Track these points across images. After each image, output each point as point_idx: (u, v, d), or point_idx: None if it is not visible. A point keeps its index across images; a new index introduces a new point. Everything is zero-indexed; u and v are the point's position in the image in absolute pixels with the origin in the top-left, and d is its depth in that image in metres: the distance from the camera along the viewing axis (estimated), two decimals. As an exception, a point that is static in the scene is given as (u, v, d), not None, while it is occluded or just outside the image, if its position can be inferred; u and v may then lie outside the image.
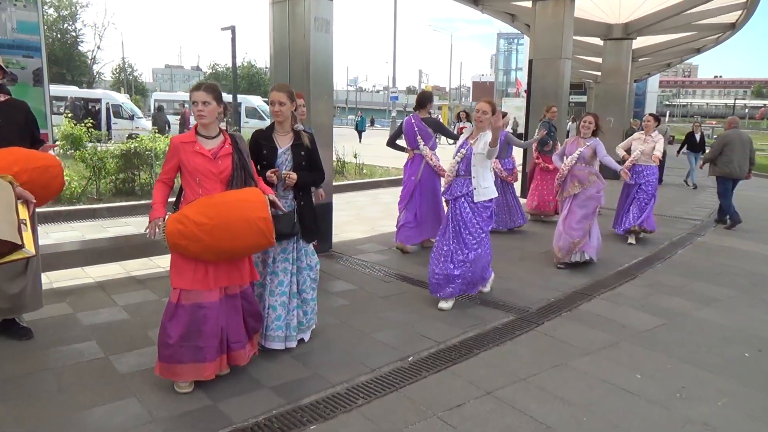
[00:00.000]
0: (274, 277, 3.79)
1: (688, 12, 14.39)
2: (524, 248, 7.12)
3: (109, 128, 21.03)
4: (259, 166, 3.71)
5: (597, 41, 16.68)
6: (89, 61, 58.18)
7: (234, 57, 18.47)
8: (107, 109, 21.78)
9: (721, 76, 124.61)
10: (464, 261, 4.67)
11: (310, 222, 3.87)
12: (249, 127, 21.31)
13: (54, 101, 20.39)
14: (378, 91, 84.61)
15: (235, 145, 3.34)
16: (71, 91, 24.39)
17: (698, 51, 22.39)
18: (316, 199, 4.32)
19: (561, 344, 4.12)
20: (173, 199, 3.41)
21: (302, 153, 3.76)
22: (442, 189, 5.07)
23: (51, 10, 51.29)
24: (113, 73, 68.85)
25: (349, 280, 5.50)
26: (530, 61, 11.07)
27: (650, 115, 7.69)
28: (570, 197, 6.11)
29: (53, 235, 6.89)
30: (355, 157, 14.02)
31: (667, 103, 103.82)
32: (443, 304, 4.73)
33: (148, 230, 3.22)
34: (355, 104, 67.42)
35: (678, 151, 13.08)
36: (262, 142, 3.72)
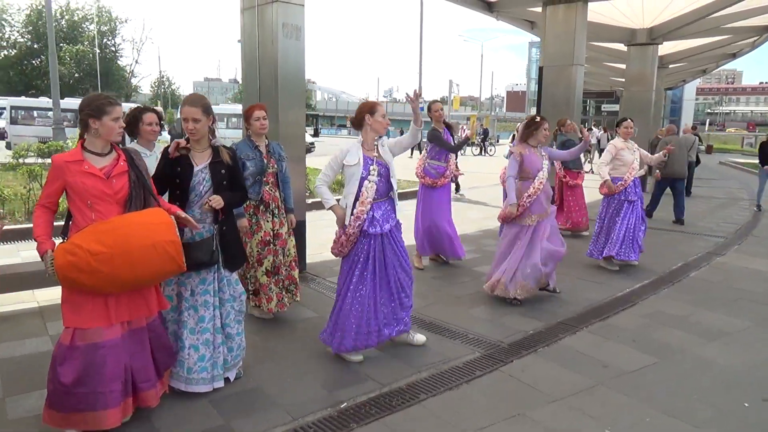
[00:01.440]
0: (193, 312, 3.37)
1: (716, 15, 13.56)
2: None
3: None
4: (171, 187, 3.33)
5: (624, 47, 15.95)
6: (128, 75, 60.00)
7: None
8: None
9: (766, 83, 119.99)
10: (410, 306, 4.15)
11: (234, 248, 3.46)
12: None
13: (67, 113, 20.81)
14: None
15: (130, 162, 2.96)
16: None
17: (734, 56, 21.26)
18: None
19: (525, 389, 3.58)
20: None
21: (222, 171, 3.36)
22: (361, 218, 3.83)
23: (92, 26, 53.15)
24: (152, 87, 70.77)
25: (311, 306, 5.07)
26: (540, 69, 10.48)
27: (630, 120, 6.83)
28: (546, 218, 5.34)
29: (23, 254, 6.67)
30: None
31: (709, 110, 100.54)
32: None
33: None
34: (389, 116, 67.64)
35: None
36: (177, 160, 3.33)
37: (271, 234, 4.49)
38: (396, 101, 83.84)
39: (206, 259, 3.27)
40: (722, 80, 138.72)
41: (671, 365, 4.01)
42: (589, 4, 11.62)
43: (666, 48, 18.60)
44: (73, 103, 23.83)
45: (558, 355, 4.14)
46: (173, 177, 3.30)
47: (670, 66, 20.75)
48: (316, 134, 48.93)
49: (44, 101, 24.23)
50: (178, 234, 2.92)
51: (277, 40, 5.56)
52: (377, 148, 3.91)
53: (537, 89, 10.57)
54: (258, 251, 4.45)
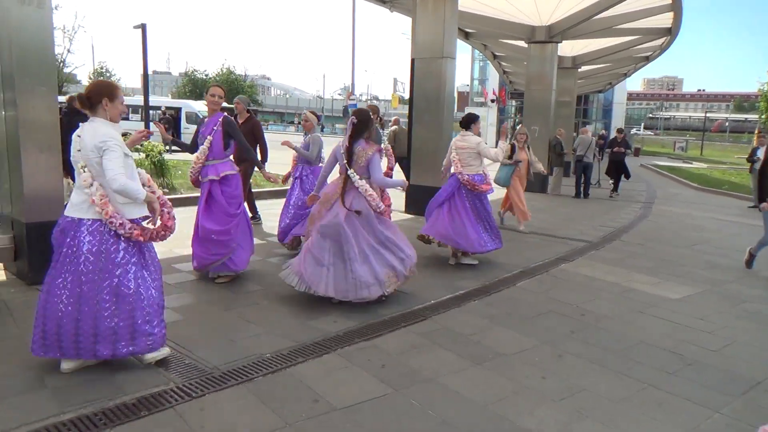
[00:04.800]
0: None
1: (609, 15, 13.35)
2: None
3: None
4: None
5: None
6: (60, 65, 57.00)
7: (145, 56, 17.23)
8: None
9: (704, 90, 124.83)
10: None
11: None
12: (189, 132, 20.14)
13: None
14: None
15: None
16: None
17: (647, 59, 21.38)
18: None
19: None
20: None
21: None
22: None
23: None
24: (90, 78, 67.70)
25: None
26: (412, 61, 9.88)
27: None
28: None
29: None
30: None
31: (650, 115, 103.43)
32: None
33: None
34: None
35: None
36: None
37: None
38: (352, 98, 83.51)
39: None
40: (664, 86, 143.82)
41: (399, 399, 3.35)
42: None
43: (577, 48, 18.50)
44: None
45: (271, 383, 3.42)
46: None
47: (584, 68, 20.66)
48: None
49: None
50: None
51: (10, 8, 4.67)
52: None
53: (410, 83, 9.96)
54: None
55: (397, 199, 9.84)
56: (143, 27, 17.40)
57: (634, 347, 4.39)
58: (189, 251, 5.58)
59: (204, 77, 69.29)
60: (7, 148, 5.08)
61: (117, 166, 3.23)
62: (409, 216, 9.84)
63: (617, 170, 14.49)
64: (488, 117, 42.19)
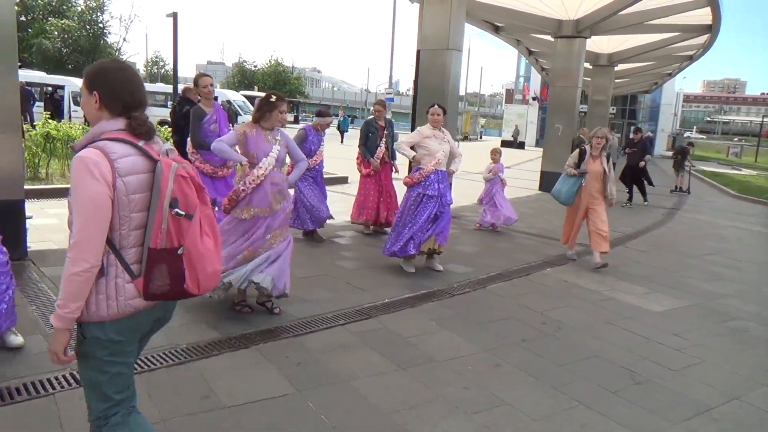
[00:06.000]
0: None
1: (643, 9, 12.69)
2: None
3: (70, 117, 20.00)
4: None
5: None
6: (115, 53, 59.01)
7: (175, 45, 17.50)
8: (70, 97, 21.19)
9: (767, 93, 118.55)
10: None
11: None
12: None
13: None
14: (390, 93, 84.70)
15: None
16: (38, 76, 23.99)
17: (691, 58, 20.32)
18: None
19: None
20: None
21: None
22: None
23: (81, 2, 52.25)
24: (146, 67, 69.84)
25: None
26: (417, 53, 9.61)
27: (437, 106, 5.89)
28: None
29: None
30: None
31: (708, 119, 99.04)
32: None
33: None
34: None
35: None
36: None
37: None
38: (399, 93, 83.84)
39: None
40: (725, 89, 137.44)
41: (297, 401, 3.17)
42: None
43: (613, 45, 17.80)
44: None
45: (165, 380, 3.30)
46: None
47: (621, 66, 19.84)
48: (296, 121, 48.69)
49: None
50: None
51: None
52: None
53: (414, 75, 9.69)
54: None
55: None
56: (174, 15, 17.68)
57: (585, 361, 4.07)
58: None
59: (253, 68, 70.62)
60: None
61: None
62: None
63: (632, 176, 12.80)
64: (528, 115, 41.25)
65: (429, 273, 5.95)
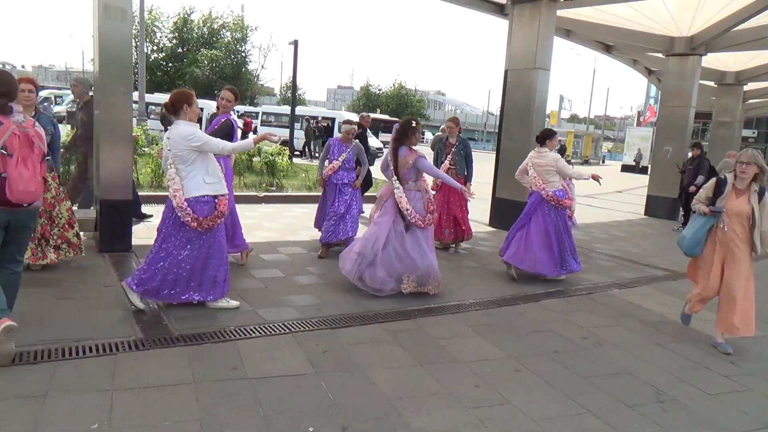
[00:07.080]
0: None
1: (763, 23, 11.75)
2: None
3: None
4: None
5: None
6: (254, 79, 64.54)
7: (295, 70, 18.95)
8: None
9: None
10: None
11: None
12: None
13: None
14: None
15: None
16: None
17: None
18: None
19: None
20: None
21: None
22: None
23: (228, 33, 58.02)
24: (281, 91, 75.56)
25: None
26: (505, 72, 9.73)
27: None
28: None
29: None
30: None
31: None
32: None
33: None
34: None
35: None
36: None
37: None
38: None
39: None
40: None
41: (310, 379, 3.53)
42: (615, 8, 10.95)
43: (741, 62, 16.61)
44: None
45: (206, 353, 3.82)
46: None
47: (751, 84, 18.31)
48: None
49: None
50: None
51: (99, 22, 5.73)
52: None
53: (502, 95, 9.82)
54: None
55: (480, 213, 9.77)
56: (295, 43, 19.23)
57: (613, 376, 4.02)
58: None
59: (377, 92, 73.33)
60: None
61: (214, 140, 4.36)
62: (492, 229, 9.67)
63: (687, 200, 10.52)
64: (653, 138, 38.68)
65: (492, 280, 6.08)
